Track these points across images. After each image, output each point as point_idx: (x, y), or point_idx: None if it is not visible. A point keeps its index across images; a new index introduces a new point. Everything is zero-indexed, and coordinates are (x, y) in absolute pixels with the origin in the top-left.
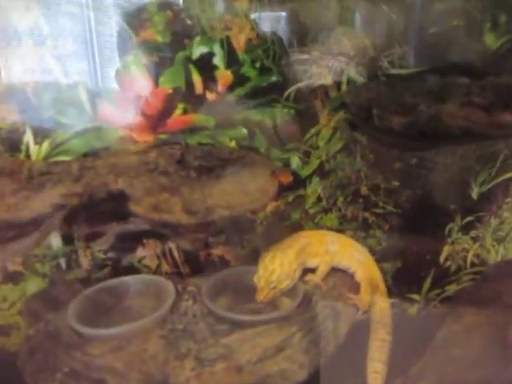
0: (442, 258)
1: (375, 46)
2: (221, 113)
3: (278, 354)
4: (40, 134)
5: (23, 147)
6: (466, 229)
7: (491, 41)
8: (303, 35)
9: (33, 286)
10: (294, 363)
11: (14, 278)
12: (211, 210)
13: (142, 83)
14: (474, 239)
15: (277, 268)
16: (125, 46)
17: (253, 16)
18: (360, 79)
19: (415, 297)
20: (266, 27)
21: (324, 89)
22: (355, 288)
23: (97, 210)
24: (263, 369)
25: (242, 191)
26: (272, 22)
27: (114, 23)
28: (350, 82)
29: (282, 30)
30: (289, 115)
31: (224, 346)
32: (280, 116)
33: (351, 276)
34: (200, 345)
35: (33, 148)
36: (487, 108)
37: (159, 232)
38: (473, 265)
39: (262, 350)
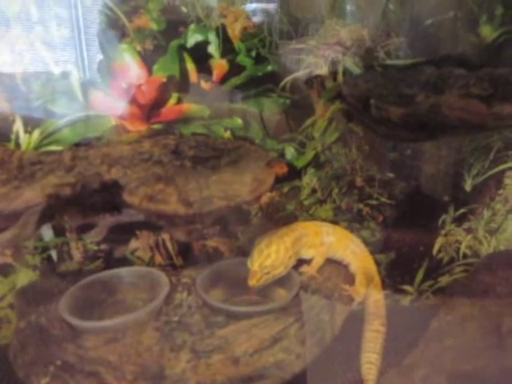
0: (434, 250)
1: (372, 36)
2: (216, 102)
3: (274, 345)
4: (30, 123)
5: (13, 136)
6: (459, 220)
7: (487, 33)
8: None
9: (23, 278)
10: (291, 354)
11: (3, 270)
12: (208, 201)
13: (135, 71)
14: (467, 231)
15: (272, 253)
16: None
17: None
18: (356, 70)
19: (408, 288)
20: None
21: (320, 79)
22: (350, 279)
23: (89, 201)
24: (260, 360)
25: (238, 181)
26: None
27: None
28: (346, 72)
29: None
30: (284, 105)
31: (220, 338)
32: (276, 106)
33: (346, 267)
34: (195, 337)
35: (23, 137)
36: (486, 99)
37: (153, 223)
38: (465, 256)
39: (259, 342)
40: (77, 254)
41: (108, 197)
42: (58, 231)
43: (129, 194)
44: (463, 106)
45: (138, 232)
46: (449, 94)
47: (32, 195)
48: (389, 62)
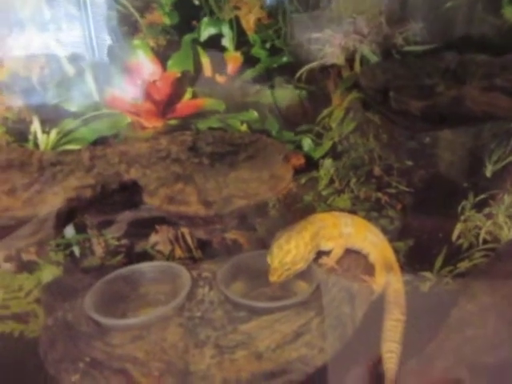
0: (454, 236)
1: (389, 22)
2: (231, 96)
3: (296, 339)
4: (47, 123)
5: (31, 137)
6: (478, 206)
7: (510, 14)
8: None
9: (48, 274)
10: (314, 348)
11: (28, 267)
12: (228, 201)
13: (149, 67)
14: (487, 216)
15: (292, 249)
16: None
17: None
18: (374, 58)
19: (427, 274)
20: None
21: (337, 68)
22: (369, 269)
23: (110, 201)
24: (283, 355)
25: (257, 178)
26: None
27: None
28: (363, 60)
29: None
30: (301, 96)
31: (243, 333)
32: (292, 97)
33: (365, 257)
34: (219, 332)
35: (41, 137)
36: (511, 92)
37: (173, 220)
38: (485, 242)
39: (281, 337)
40: (99, 250)
41: (128, 196)
42: (80, 227)
43: (149, 195)
44: (487, 100)
45: (157, 226)
46: (471, 86)
47: (54, 200)
48: (407, 48)
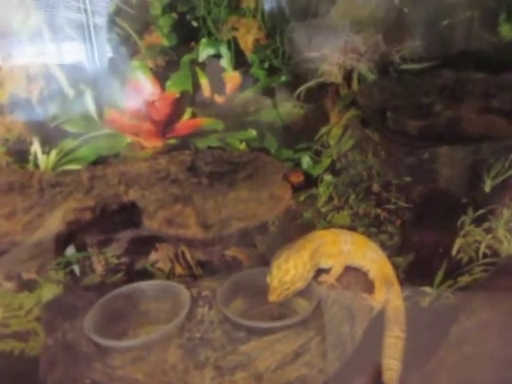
0: (454, 251)
1: (387, 40)
2: (230, 115)
3: (296, 359)
4: (47, 144)
5: (31, 157)
6: (478, 221)
7: (507, 32)
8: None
9: (48, 292)
10: (313, 368)
11: (29, 285)
12: (227, 223)
13: (148, 88)
14: (487, 231)
15: (291, 269)
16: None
17: None
18: (371, 76)
19: (427, 289)
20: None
21: (334, 87)
22: (369, 286)
23: (109, 221)
24: (283, 376)
25: (256, 199)
26: None
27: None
28: (360, 78)
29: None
30: (299, 115)
31: (243, 354)
32: (291, 115)
33: (365, 274)
34: (218, 353)
35: (41, 158)
36: (507, 114)
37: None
38: (485, 256)
39: (281, 357)
40: (99, 268)
41: (127, 216)
42: (80, 246)
43: (148, 218)
44: (484, 122)
45: (157, 244)
46: (468, 106)
47: (54, 223)
48: (404, 66)
